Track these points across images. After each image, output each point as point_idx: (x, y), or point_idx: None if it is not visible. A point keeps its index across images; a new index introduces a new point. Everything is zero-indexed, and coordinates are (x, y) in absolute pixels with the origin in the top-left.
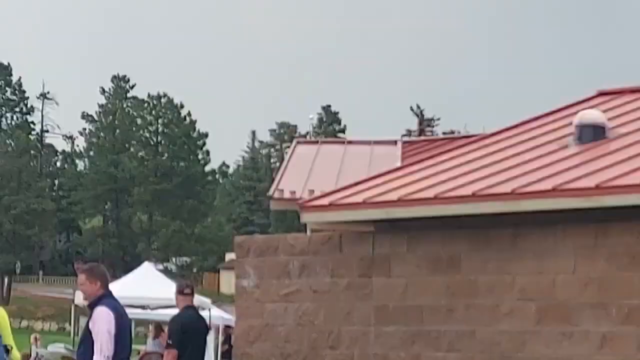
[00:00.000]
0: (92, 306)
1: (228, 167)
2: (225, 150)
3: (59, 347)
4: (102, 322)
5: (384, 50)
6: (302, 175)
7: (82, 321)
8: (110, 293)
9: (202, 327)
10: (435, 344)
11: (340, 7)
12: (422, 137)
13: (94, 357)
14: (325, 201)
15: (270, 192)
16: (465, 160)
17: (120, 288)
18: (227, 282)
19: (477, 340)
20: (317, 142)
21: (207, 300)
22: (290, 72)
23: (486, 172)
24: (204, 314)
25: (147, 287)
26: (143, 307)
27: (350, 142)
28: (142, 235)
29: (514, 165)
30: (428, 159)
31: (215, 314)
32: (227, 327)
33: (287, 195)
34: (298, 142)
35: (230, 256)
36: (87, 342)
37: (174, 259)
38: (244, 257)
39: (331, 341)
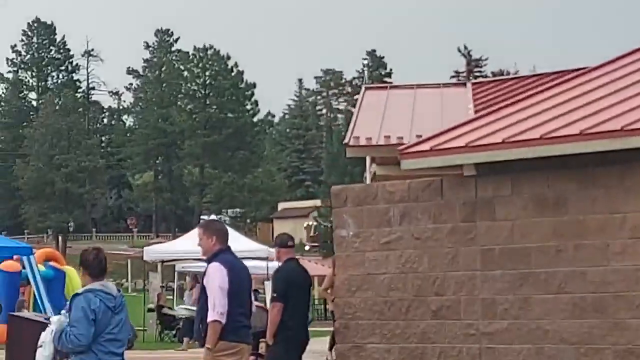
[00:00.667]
0: (208, 262)
1: (274, 116)
2: (268, 99)
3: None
4: (214, 277)
5: None
6: (376, 122)
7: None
8: (227, 248)
9: (306, 279)
10: (544, 286)
11: None
12: (491, 78)
13: (208, 313)
14: (425, 146)
15: (346, 140)
16: (565, 99)
17: (192, 243)
18: (281, 231)
19: (588, 280)
20: (386, 87)
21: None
22: (333, 18)
23: (589, 110)
24: (272, 264)
25: None
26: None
27: (419, 86)
28: (194, 189)
29: (617, 102)
30: (524, 99)
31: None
32: None
33: (363, 142)
34: (367, 88)
35: (282, 205)
36: (203, 298)
37: (226, 211)
38: (341, 207)
39: (436, 287)
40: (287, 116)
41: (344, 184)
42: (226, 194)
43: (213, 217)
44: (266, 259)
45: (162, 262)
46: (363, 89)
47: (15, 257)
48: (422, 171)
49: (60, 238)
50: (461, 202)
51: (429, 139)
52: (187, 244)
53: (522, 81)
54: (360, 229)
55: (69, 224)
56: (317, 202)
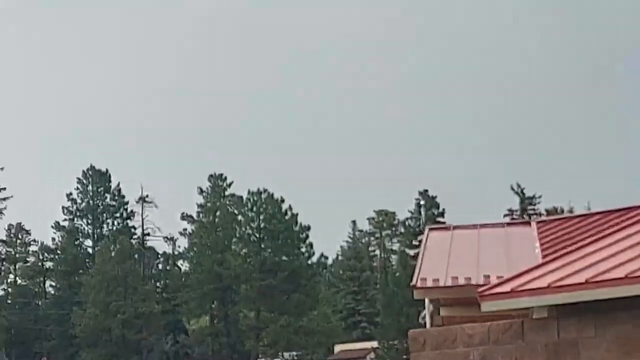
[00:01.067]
0: None
1: (327, 258)
2: (321, 240)
3: None
4: None
5: (474, 130)
6: (442, 263)
7: None
8: None
9: None
10: None
11: (422, 88)
12: (555, 217)
13: None
14: (506, 288)
15: (414, 282)
16: None
17: None
18: None
19: None
20: (449, 227)
21: None
22: (382, 160)
23: None
24: None
25: None
26: None
27: (482, 226)
28: (250, 332)
29: None
30: (601, 238)
31: None
32: None
33: (430, 283)
34: (430, 229)
35: (339, 347)
36: None
37: (282, 354)
38: (419, 351)
39: None
40: (340, 257)
41: (400, 325)
42: (282, 337)
43: None
44: None
45: None
46: (427, 230)
47: None
48: (493, 313)
49: None
50: (543, 344)
51: (508, 280)
52: None
53: (586, 219)
54: None
55: None
56: (374, 344)
